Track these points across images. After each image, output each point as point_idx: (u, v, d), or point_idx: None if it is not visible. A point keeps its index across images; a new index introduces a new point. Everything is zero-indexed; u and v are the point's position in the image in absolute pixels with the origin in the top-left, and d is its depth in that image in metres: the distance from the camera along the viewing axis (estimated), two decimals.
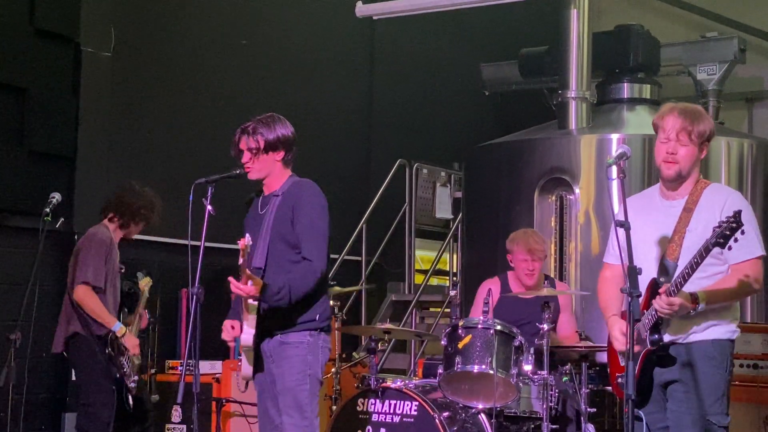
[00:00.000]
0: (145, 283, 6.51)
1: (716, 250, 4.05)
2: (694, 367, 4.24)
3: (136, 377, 6.26)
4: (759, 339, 6.33)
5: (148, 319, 6.54)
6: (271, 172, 4.94)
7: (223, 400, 6.90)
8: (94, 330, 6.07)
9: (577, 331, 6.13)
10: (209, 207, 4.73)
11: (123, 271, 6.32)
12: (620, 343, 4.31)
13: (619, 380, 4.38)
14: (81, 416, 6.20)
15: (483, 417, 5.81)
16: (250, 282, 4.60)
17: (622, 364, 4.33)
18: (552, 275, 7.10)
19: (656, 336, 4.21)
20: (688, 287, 4.14)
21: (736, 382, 5.72)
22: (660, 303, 4.13)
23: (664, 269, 4.29)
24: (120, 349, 6.13)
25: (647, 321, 4.23)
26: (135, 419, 6.36)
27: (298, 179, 4.98)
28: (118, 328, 6.09)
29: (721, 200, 4.31)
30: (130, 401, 6.23)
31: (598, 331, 6.21)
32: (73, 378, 6.73)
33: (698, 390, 4.23)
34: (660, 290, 4.16)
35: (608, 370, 4.60)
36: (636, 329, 4.18)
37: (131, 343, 6.17)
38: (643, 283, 4.18)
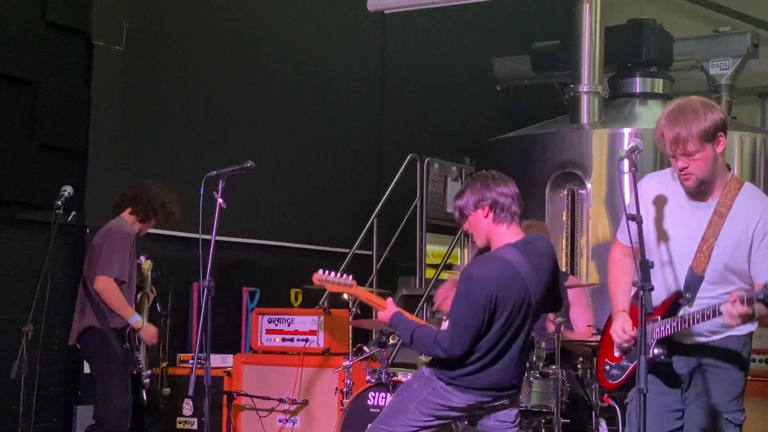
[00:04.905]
0: (147, 266, 6.51)
1: (742, 267, 4.01)
2: (717, 364, 4.14)
3: (149, 372, 6.27)
4: None
5: (154, 296, 6.50)
6: None
7: (234, 394, 6.90)
8: (110, 322, 6.07)
9: (589, 326, 6.09)
10: (220, 200, 4.73)
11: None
12: (617, 337, 4.19)
13: (606, 368, 4.34)
14: (98, 406, 6.21)
15: None
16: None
17: (617, 354, 4.28)
18: (564, 269, 7.08)
19: (661, 350, 4.08)
20: (711, 302, 3.99)
21: (749, 378, 5.69)
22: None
23: (689, 281, 4.12)
24: (136, 344, 6.15)
25: (660, 331, 4.09)
26: (147, 412, 6.38)
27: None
28: (136, 320, 6.10)
29: (755, 215, 4.03)
30: (144, 396, 6.26)
31: None
32: (86, 371, 6.74)
33: (717, 387, 4.14)
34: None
35: (596, 356, 4.52)
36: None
37: (149, 333, 6.18)
38: (669, 286, 4.10)
